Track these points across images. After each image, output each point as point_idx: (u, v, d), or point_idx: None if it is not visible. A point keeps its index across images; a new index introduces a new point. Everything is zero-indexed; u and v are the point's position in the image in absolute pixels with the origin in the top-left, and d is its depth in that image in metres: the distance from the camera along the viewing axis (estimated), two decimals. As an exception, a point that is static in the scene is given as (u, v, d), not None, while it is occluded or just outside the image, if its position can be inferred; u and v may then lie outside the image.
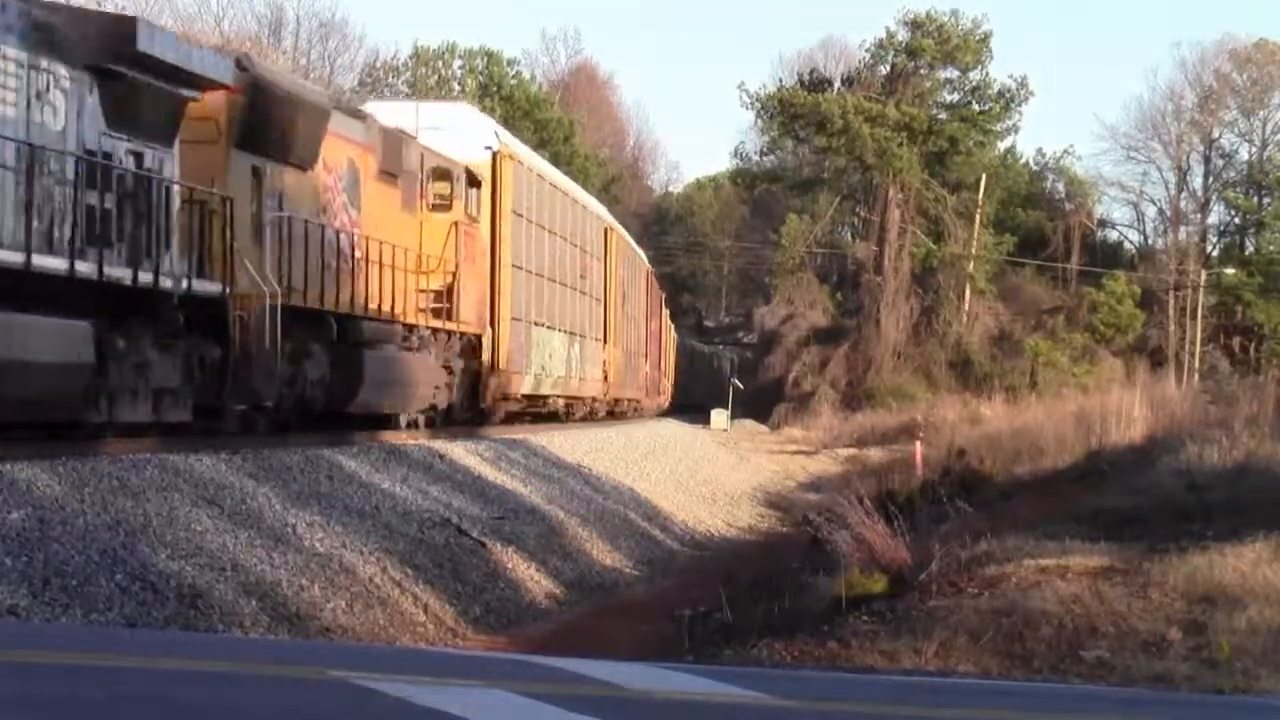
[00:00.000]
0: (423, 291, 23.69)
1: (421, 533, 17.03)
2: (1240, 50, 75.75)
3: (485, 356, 26.97)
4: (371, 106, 26.32)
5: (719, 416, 55.40)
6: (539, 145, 51.54)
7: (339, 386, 20.52)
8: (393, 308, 22.17)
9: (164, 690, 6.64)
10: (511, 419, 30.26)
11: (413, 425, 23.69)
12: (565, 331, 33.94)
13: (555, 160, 46.65)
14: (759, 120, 68.73)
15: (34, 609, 10.49)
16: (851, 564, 14.72)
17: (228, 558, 13.17)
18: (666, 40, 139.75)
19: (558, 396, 34.10)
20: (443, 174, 24.74)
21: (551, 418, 33.72)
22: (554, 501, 22.38)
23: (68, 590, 11.01)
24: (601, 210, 41.79)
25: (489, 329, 27.20)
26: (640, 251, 50.39)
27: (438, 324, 24.38)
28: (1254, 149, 77.10)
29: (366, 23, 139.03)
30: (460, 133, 27.28)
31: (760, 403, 63.11)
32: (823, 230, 70.31)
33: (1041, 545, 14.44)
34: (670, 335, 58.00)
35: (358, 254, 21.24)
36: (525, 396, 30.75)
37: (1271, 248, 73.31)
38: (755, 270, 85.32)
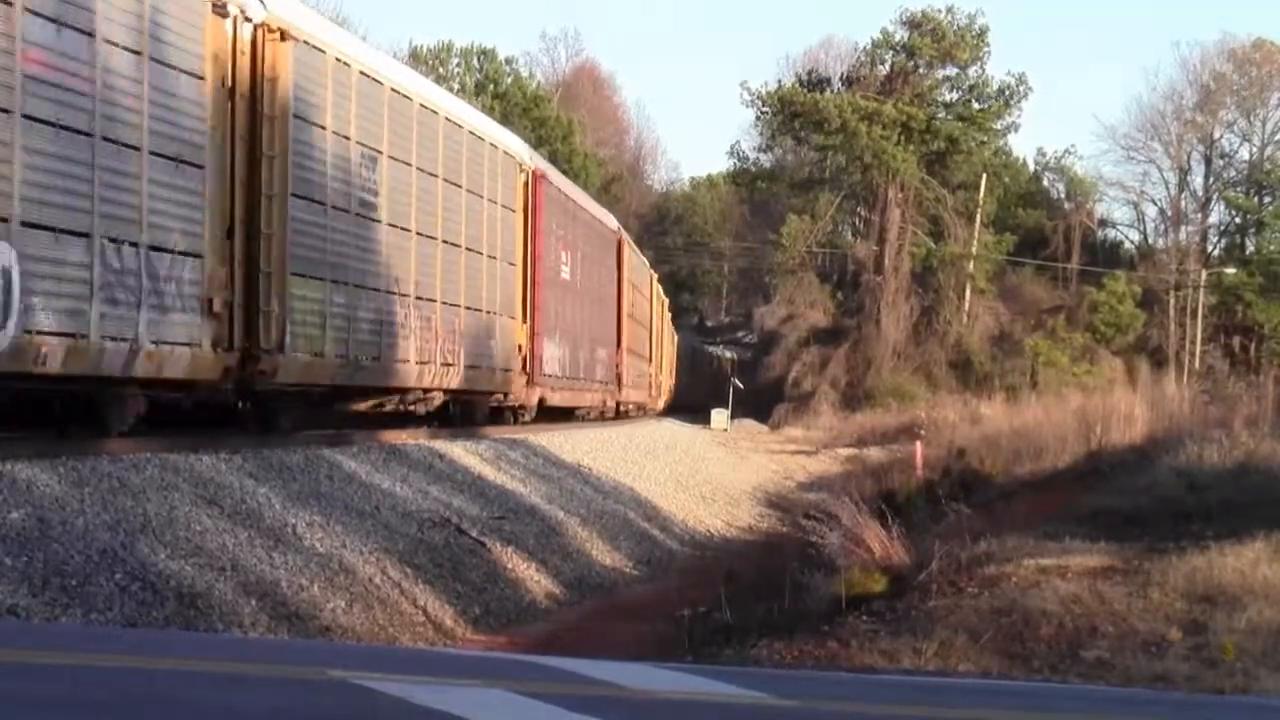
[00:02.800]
0: None
1: (421, 532, 17.01)
2: (1239, 50, 75.80)
3: None
4: None
5: (719, 416, 55.44)
6: (538, 144, 50.81)
7: None
8: None
9: (164, 690, 6.64)
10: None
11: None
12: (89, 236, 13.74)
13: (554, 159, 43.40)
14: (759, 119, 68.81)
15: (34, 609, 10.48)
16: (851, 564, 14.74)
17: (227, 557, 13.16)
18: (666, 40, 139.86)
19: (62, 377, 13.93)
20: None
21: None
22: (554, 501, 22.36)
23: (68, 590, 11.00)
24: None
25: None
26: (510, 139, 28.34)
27: None
28: (1254, 149, 77.20)
29: (368, 24, 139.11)
30: None
31: (760, 403, 63.13)
32: (823, 230, 70.30)
33: (1041, 545, 14.46)
34: (664, 311, 55.61)
35: None
36: None
37: (1272, 247, 73.30)
38: (755, 270, 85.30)
